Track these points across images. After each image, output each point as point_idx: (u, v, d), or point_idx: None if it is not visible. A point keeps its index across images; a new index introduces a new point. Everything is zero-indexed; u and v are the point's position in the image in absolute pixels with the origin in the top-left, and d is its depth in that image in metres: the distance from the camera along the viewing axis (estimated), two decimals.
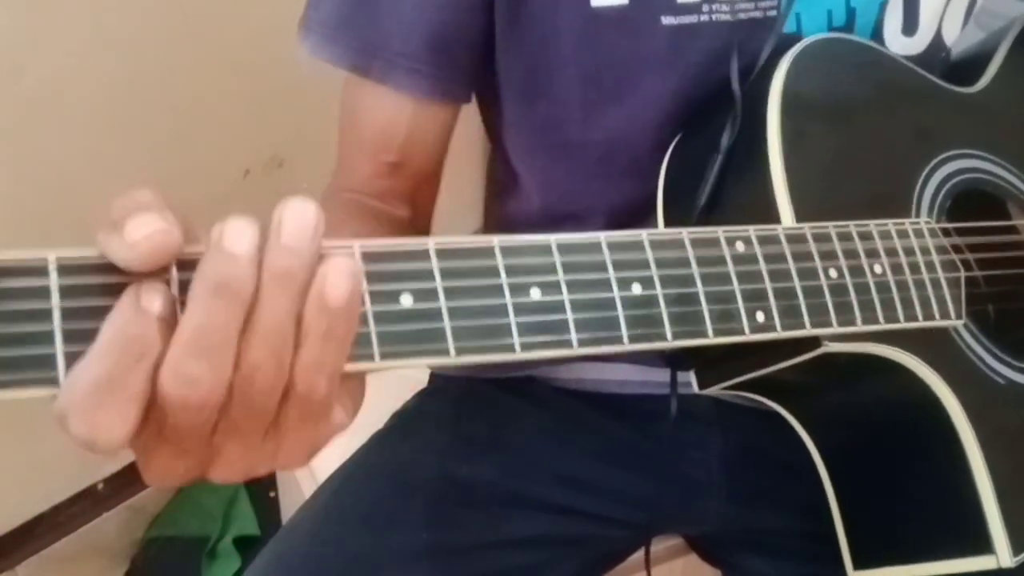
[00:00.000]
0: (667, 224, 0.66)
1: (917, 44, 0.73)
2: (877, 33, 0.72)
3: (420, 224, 0.79)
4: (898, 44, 0.72)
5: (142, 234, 0.36)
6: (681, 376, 0.69)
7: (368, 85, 0.72)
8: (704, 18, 0.68)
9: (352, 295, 0.38)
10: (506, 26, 0.70)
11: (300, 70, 0.75)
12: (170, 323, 0.36)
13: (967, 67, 0.76)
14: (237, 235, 0.37)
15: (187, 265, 0.38)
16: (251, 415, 0.38)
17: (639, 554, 0.83)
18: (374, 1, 0.70)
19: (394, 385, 0.84)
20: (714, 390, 0.65)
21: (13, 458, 1.22)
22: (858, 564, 0.67)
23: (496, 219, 0.89)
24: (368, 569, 0.74)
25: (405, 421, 0.87)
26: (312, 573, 0.74)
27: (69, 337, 0.36)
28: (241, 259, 0.36)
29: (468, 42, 0.71)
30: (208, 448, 0.39)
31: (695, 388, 0.66)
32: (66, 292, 0.36)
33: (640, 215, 0.68)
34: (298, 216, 0.38)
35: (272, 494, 1.44)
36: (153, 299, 0.36)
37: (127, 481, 1.42)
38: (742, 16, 0.68)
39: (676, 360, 0.69)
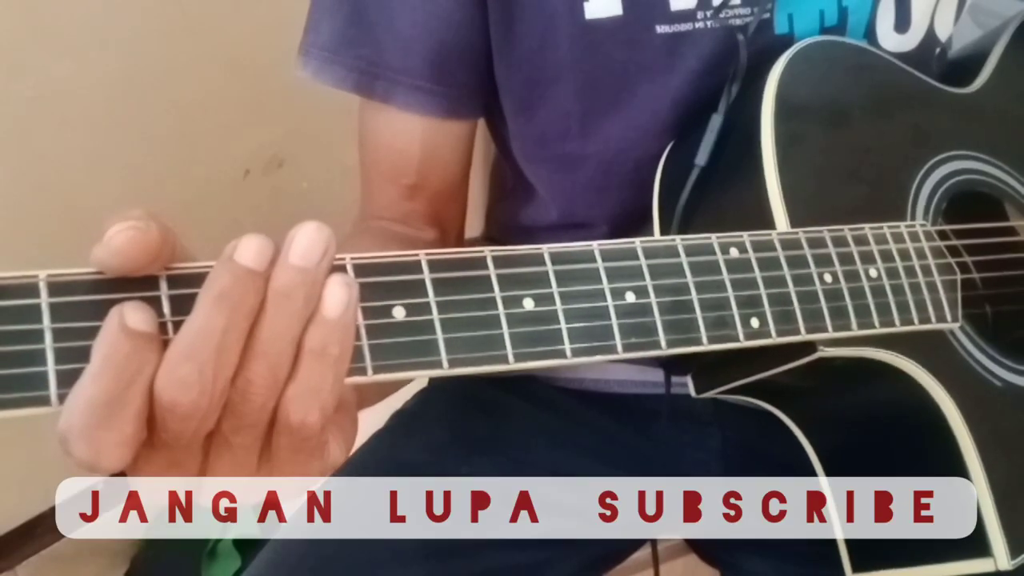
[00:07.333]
0: (662, 232, 0.66)
1: (910, 40, 0.73)
2: (870, 31, 0.71)
3: (449, 244, 0.79)
4: (891, 42, 0.72)
5: (115, 230, 0.36)
6: (680, 376, 0.68)
7: (377, 108, 0.72)
8: (699, 25, 0.67)
9: (347, 307, 0.39)
10: (500, 40, 0.70)
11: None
12: (158, 337, 0.37)
13: (962, 67, 0.76)
14: (248, 248, 0.38)
15: (178, 281, 0.38)
16: (242, 431, 0.39)
17: (639, 554, 0.84)
18: (372, 21, 0.69)
19: None
20: (710, 395, 0.65)
21: (13, 458, 1.22)
22: (857, 567, 0.67)
23: (499, 223, 0.88)
24: (368, 568, 0.74)
25: (405, 421, 0.87)
26: (312, 573, 0.74)
27: (61, 356, 0.36)
28: (246, 271, 0.37)
29: (469, 58, 0.71)
30: (199, 463, 0.40)
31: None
32: (57, 311, 0.36)
33: (643, 223, 0.67)
34: (309, 237, 0.38)
35: None
36: (136, 317, 0.36)
37: None
38: (738, 22, 0.67)
39: (672, 366, 0.69)
